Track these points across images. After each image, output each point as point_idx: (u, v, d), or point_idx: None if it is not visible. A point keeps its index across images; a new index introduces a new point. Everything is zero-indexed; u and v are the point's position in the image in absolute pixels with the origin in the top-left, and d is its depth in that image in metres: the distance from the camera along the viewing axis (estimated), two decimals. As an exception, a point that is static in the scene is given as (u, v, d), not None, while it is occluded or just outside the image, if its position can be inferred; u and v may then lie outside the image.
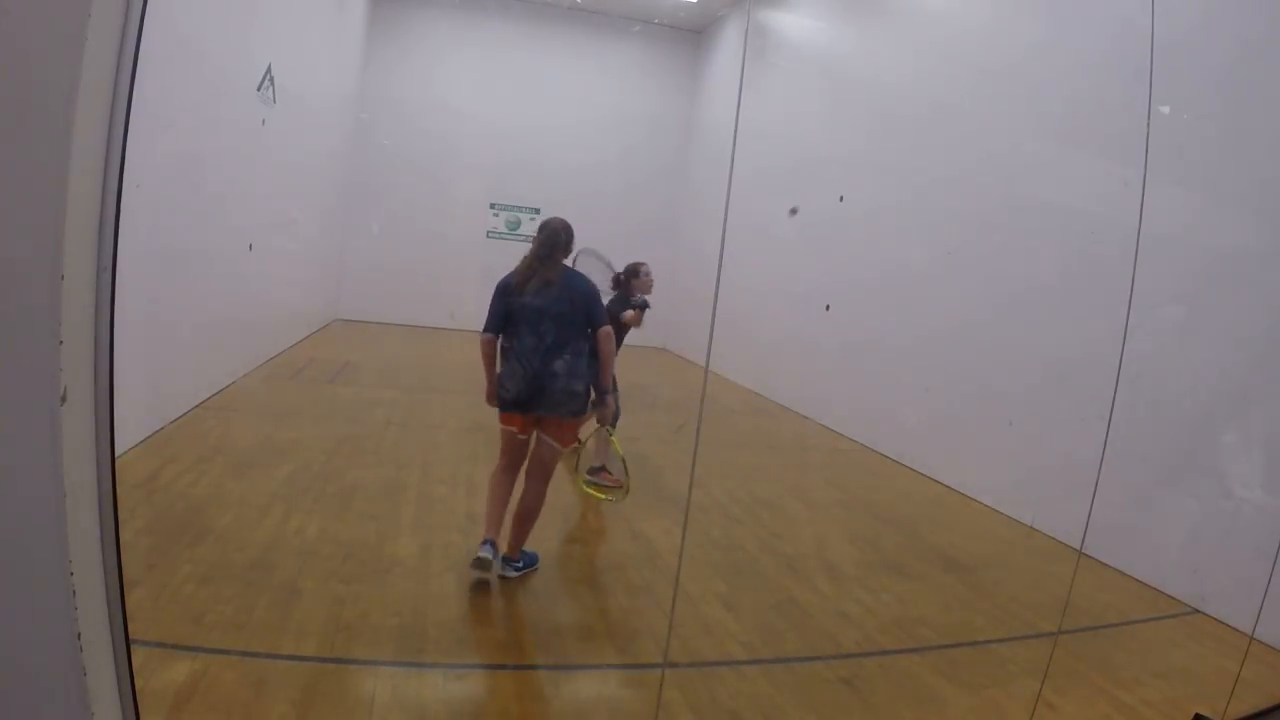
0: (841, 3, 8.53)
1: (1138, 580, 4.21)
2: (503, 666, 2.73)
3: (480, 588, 3.25)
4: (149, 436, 4.56)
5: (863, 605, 3.58)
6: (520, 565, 3.42)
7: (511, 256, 3.45)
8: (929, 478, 5.93)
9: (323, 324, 10.17)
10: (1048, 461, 4.88)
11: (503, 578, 3.34)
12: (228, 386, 6.05)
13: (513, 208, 11.62)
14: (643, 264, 4.70)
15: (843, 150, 7.81)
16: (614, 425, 4.08)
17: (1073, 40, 5.12)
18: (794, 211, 7.44)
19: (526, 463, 3.46)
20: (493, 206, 11.62)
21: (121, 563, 1.24)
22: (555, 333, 3.28)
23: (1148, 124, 3.65)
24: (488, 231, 11.55)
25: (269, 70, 6.20)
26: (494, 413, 3.41)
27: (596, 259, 4.63)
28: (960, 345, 5.85)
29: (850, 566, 4.06)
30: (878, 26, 7.76)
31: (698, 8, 11.51)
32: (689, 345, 10.59)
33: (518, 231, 11.57)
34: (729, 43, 11.31)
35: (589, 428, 4.05)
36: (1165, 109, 4.06)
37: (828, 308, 7.72)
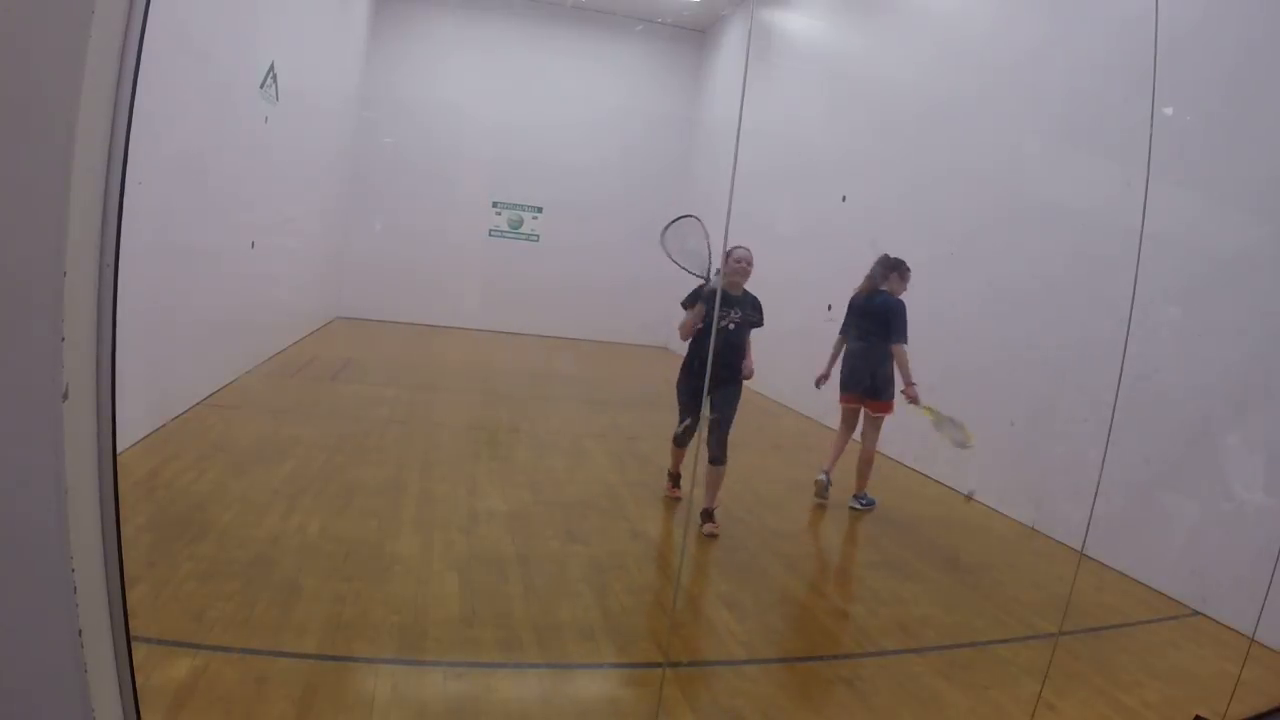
0: (845, 2, 8.52)
1: (1138, 582, 4.20)
2: (502, 665, 2.73)
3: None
4: (150, 434, 4.57)
5: (863, 605, 3.58)
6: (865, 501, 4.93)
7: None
8: (929, 478, 5.92)
9: (324, 322, 10.18)
10: (1049, 462, 4.87)
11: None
12: (229, 384, 6.06)
13: (515, 206, 11.62)
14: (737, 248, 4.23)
15: (845, 150, 7.80)
16: None
17: (1076, 41, 5.11)
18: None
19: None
20: (495, 205, 11.62)
21: (123, 559, 1.25)
22: None
23: (1151, 124, 3.64)
24: (490, 230, 11.54)
25: (272, 68, 6.20)
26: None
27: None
28: (961, 345, 5.84)
29: (851, 566, 4.06)
30: (881, 26, 7.75)
31: (701, 7, 11.50)
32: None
33: (520, 230, 11.59)
34: (732, 42, 11.29)
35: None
36: (1169, 110, 4.05)
37: (829, 307, 7.70)
